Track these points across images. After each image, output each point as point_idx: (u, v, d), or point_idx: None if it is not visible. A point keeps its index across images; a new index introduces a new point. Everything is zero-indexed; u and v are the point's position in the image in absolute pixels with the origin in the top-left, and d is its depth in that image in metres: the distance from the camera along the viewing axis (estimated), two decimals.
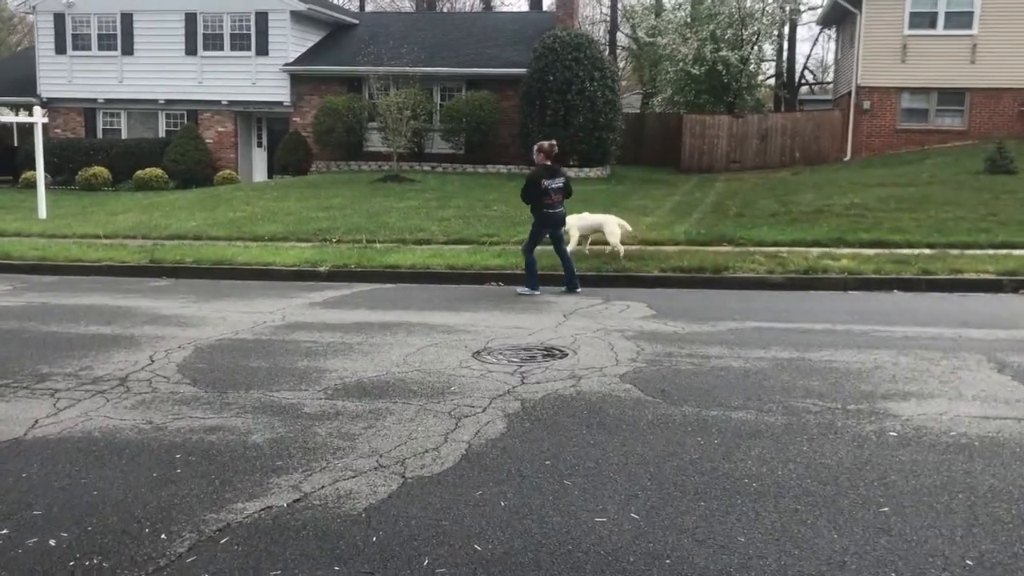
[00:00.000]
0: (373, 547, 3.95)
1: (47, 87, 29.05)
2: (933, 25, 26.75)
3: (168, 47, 28.08)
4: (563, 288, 10.98)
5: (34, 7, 29.04)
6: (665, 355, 7.30)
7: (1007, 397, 6.06)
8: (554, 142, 11.30)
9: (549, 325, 8.70)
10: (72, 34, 28.65)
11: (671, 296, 10.67)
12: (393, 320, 9.06)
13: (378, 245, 14.31)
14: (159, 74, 28.11)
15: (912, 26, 26.80)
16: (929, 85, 27.06)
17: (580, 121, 24.35)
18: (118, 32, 28.40)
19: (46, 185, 19.99)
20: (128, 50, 28.42)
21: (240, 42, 27.82)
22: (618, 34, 48.40)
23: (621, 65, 46.29)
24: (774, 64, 43.68)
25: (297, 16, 27.77)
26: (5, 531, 4.18)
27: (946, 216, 15.64)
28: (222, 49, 27.92)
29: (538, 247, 11.06)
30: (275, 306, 9.98)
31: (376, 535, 4.06)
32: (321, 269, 12.53)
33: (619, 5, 47.08)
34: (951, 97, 27.17)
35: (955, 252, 12.76)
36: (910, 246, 13.39)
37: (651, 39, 36.23)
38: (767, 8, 34.10)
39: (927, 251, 12.97)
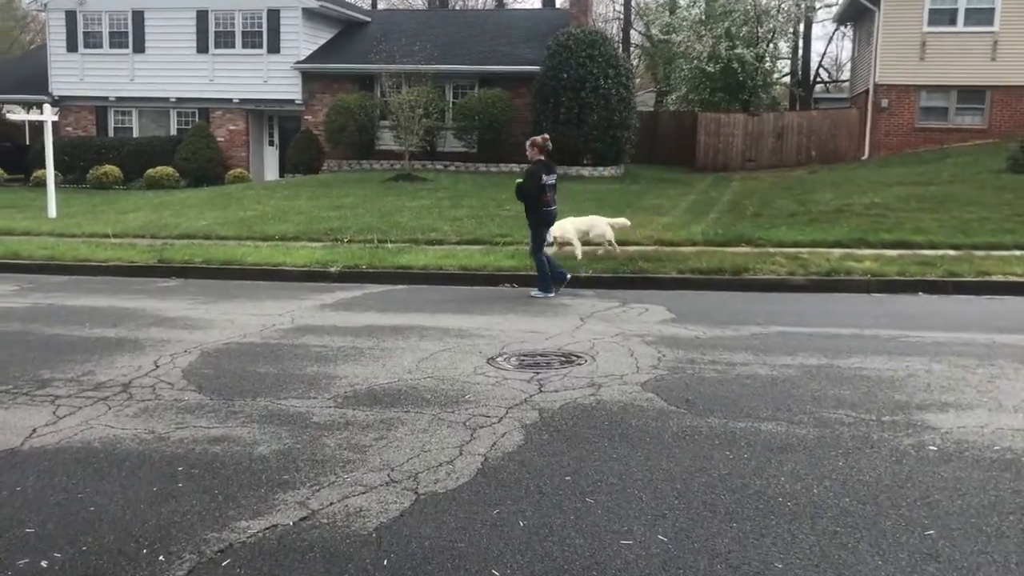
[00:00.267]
0: (384, 571, 3.70)
1: (58, 85, 28.96)
2: (953, 22, 26.34)
3: (179, 45, 27.94)
4: (538, 292, 10.65)
5: (46, 4, 28.95)
6: (688, 362, 7.03)
7: None
8: (547, 136, 10.96)
9: (566, 329, 8.43)
10: (84, 32, 28.55)
11: (690, 299, 10.39)
12: (405, 323, 8.82)
13: (390, 245, 14.08)
14: (170, 72, 27.98)
15: (931, 23, 26.40)
16: (949, 83, 26.65)
17: (594, 119, 24.07)
18: (129, 30, 28.28)
19: (57, 184, 19.87)
20: (139, 48, 28.30)
21: (252, 40, 27.66)
22: (631, 32, 48.04)
23: (634, 63, 45.94)
24: (789, 62, 43.22)
25: (309, 13, 27.58)
26: None
27: (969, 216, 15.29)
28: (234, 47, 27.77)
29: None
30: (285, 308, 9.76)
31: (387, 558, 3.81)
32: (332, 270, 12.30)
33: (632, 3, 46.70)
34: (971, 95, 26.75)
35: (980, 253, 12.43)
36: (933, 247, 13.06)
37: (665, 36, 35.88)
38: (783, 5, 33.71)
39: (951, 252, 12.65)
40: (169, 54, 28.00)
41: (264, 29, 27.47)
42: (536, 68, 24.99)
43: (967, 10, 26.17)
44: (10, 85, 30.76)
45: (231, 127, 28.36)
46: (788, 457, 4.90)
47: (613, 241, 12.63)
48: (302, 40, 27.46)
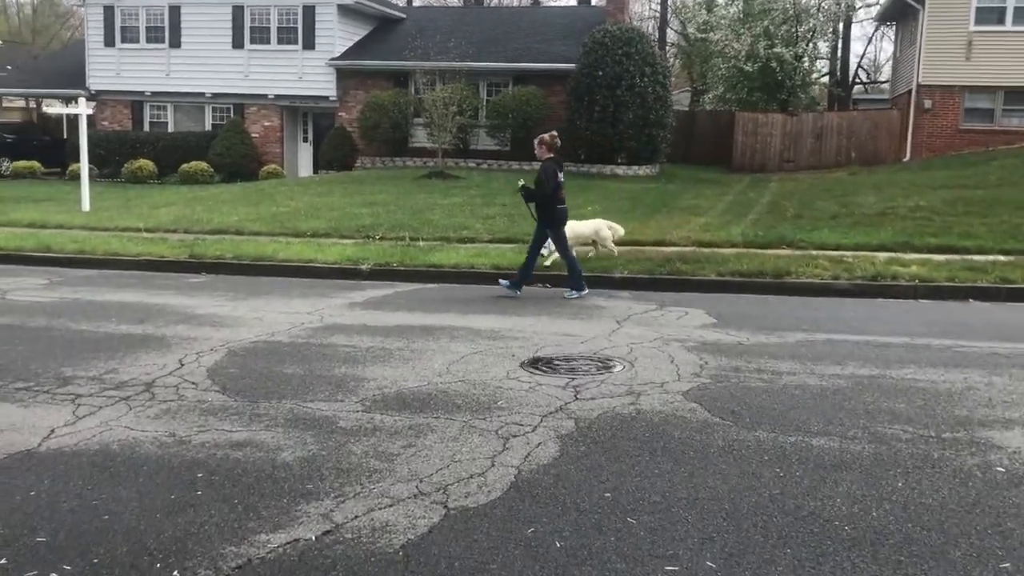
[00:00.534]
0: None
1: (95, 80, 29.11)
2: (1001, 20, 25.63)
3: (215, 40, 27.95)
4: (511, 287, 10.40)
5: (84, 0, 29.10)
6: (732, 370, 6.71)
7: None
8: (555, 133, 10.72)
9: (602, 333, 8.14)
10: (121, 27, 28.67)
11: (731, 302, 10.04)
12: (436, 324, 8.57)
13: (421, 243, 13.86)
14: (206, 67, 28.01)
15: (979, 22, 25.70)
16: (995, 84, 25.92)
17: (630, 117, 23.72)
18: (166, 25, 28.35)
19: (92, 177, 19.89)
20: (176, 43, 28.36)
21: (287, 35, 27.60)
22: (667, 31, 47.51)
23: (670, 62, 45.41)
24: (828, 62, 42.50)
25: (344, 10, 27.47)
26: (3, 561, 3.75)
27: (1020, 221, 14.76)
28: (269, 43, 27.73)
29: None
30: (314, 306, 9.55)
31: None
32: (363, 267, 12.10)
33: (669, 1, 46.18)
34: (1019, 96, 26.01)
35: None
36: (982, 252, 12.61)
37: (702, 35, 35.41)
38: (823, 4, 33.10)
39: (1001, 258, 12.19)
40: (205, 49, 28.03)
41: (299, 25, 27.40)
42: (571, 66, 24.68)
43: (1016, 8, 25.43)
44: (49, 80, 31.02)
45: (265, 123, 28.34)
46: (843, 476, 4.58)
47: (609, 243, 12.23)
48: (337, 36, 27.36)
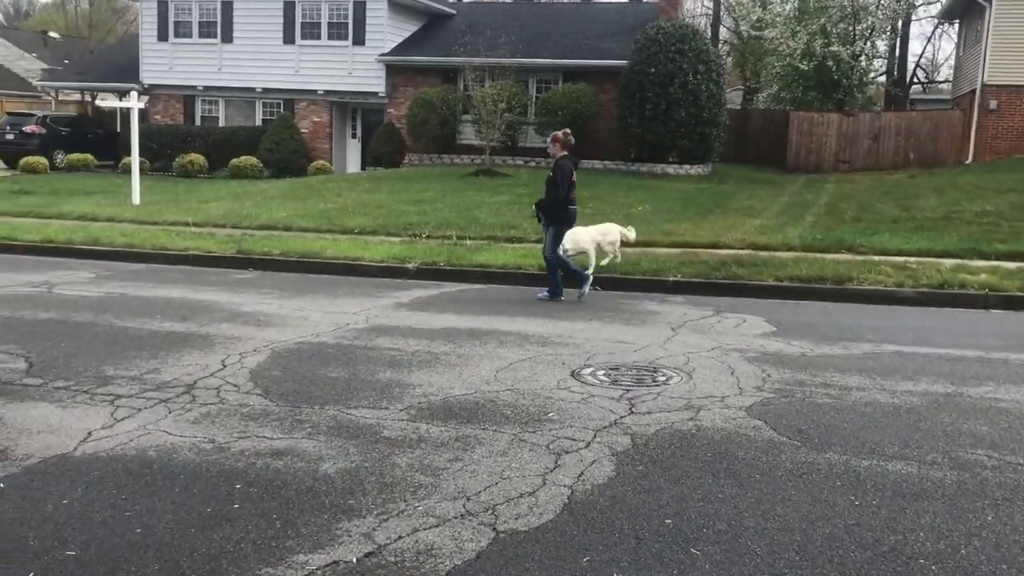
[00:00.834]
0: None
1: (149, 74, 29.37)
2: None
3: (266, 35, 28.02)
4: (547, 295, 10.03)
5: None
6: (796, 383, 6.35)
7: None
8: (568, 130, 10.37)
9: (656, 340, 7.81)
10: (174, 21, 28.88)
11: (790, 309, 9.65)
12: (483, 327, 8.32)
13: (468, 242, 13.62)
14: (257, 62, 28.09)
15: None
16: None
17: (682, 116, 23.26)
18: (218, 20, 28.49)
19: (144, 171, 20.00)
20: (227, 38, 28.49)
21: (337, 31, 27.57)
22: (720, 28, 46.74)
23: (723, 60, 44.65)
24: (885, 61, 41.45)
25: (394, 6, 27.36)
26: (31, 575, 3.57)
27: None
28: (319, 38, 27.72)
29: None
30: (360, 306, 9.36)
31: None
32: (409, 266, 11.89)
33: None
34: None
35: None
36: None
37: (757, 32, 34.73)
38: (882, 1, 32.24)
39: None
40: (256, 44, 28.12)
41: (350, 20, 27.35)
42: (622, 63, 24.28)
43: None
44: (104, 74, 31.40)
45: (315, 119, 28.36)
46: (925, 506, 4.22)
47: (616, 249, 11.63)
48: (387, 32, 27.26)
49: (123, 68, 30.29)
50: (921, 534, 3.93)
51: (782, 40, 31.72)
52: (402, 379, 6.41)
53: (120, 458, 4.80)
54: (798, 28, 31.23)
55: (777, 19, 33.13)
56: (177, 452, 4.89)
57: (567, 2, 46.33)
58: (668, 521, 4.06)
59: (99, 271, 11.67)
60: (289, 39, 27.90)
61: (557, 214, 9.99)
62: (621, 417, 5.53)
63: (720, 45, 46.19)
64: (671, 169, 24.07)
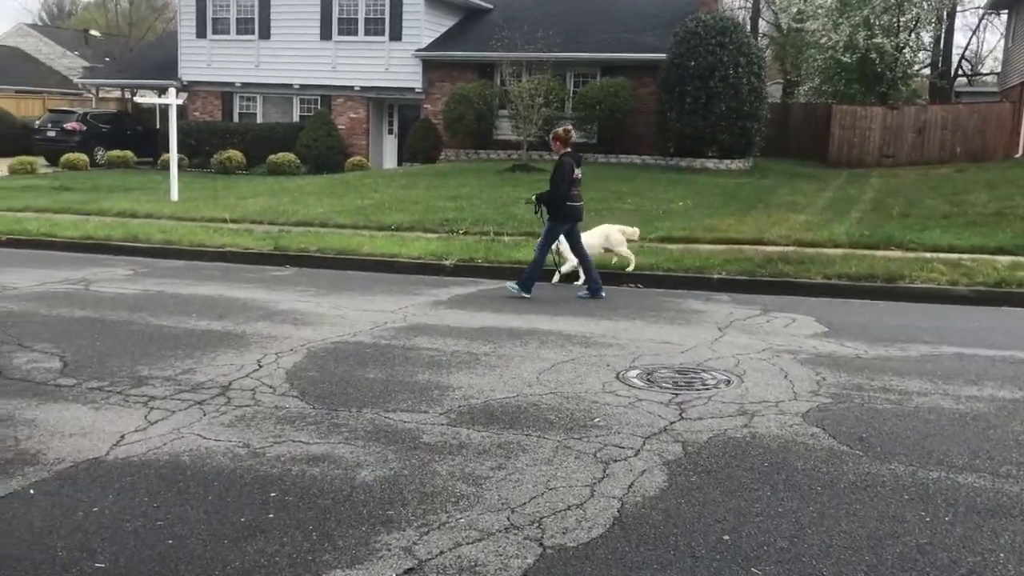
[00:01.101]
0: None
1: (187, 71, 29.51)
2: None
3: (303, 31, 28.01)
4: (587, 293, 9.84)
5: None
6: (853, 388, 6.05)
7: None
8: (569, 127, 10.28)
9: (703, 341, 7.54)
10: (212, 18, 28.99)
11: (840, 308, 9.32)
12: (523, 326, 8.10)
13: (506, 238, 13.43)
14: (294, 59, 28.10)
15: None
16: None
17: (722, 110, 22.86)
18: (256, 16, 28.54)
19: (183, 167, 20.03)
20: (265, 34, 28.53)
21: (374, 27, 27.48)
22: (759, 21, 46.02)
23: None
24: (930, 53, 40.55)
25: (431, 1, 27.19)
26: None
27: None
28: (356, 34, 27.66)
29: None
30: (397, 304, 9.19)
31: None
32: (447, 263, 11.71)
33: None
34: None
35: None
36: None
37: (797, 25, 34.11)
38: None
39: None
40: (293, 41, 28.12)
41: (386, 16, 27.25)
42: (661, 56, 23.92)
43: None
44: (144, 71, 31.60)
45: (352, 115, 28.31)
46: (1003, 524, 3.94)
47: (623, 248, 11.19)
48: (423, 27, 27.12)
49: (162, 65, 30.47)
50: (1001, 555, 3.66)
51: (824, 32, 31.12)
52: (441, 381, 6.22)
53: (153, 463, 4.65)
54: (840, 20, 30.61)
55: (819, 11, 32.50)
56: (211, 457, 4.73)
57: None
58: (726, 537, 3.81)
59: (136, 268, 11.62)
60: (326, 35, 27.86)
61: (556, 210, 9.81)
62: (671, 423, 5.29)
63: (759, 38, 45.57)
64: (711, 164, 23.68)
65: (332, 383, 6.16)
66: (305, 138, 27.07)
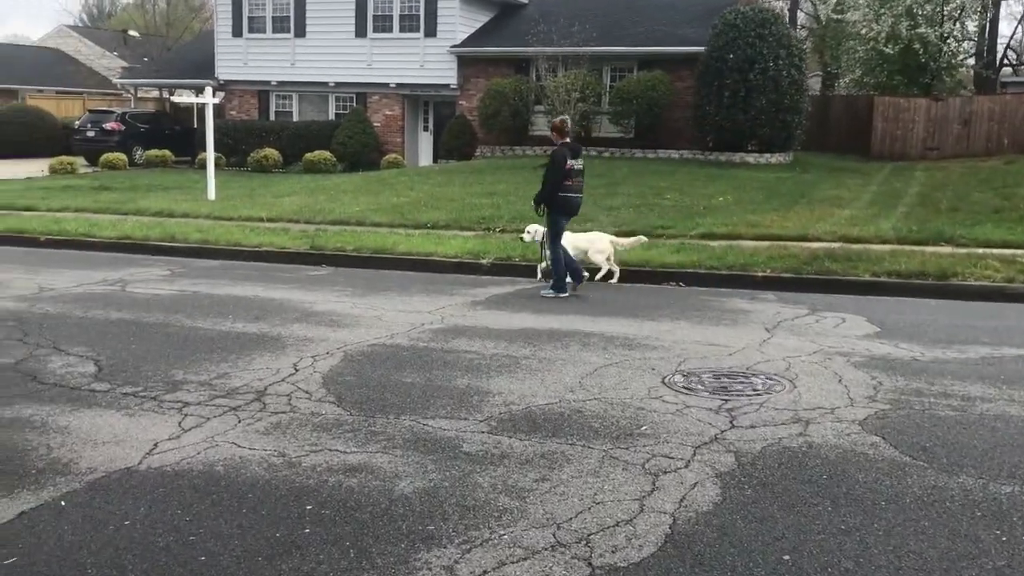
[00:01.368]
0: None
1: (224, 70, 29.63)
2: None
3: (339, 29, 27.98)
4: (552, 292, 9.67)
5: None
6: (912, 392, 5.78)
7: None
8: (565, 117, 10.11)
9: (751, 343, 7.29)
10: (248, 17, 29.06)
11: (891, 307, 9.00)
12: (563, 328, 7.90)
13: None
14: (330, 57, 28.08)
15: None
16: None
17: (762, 103, 22.44)
18: (291, 15, 28.56)
19: (219, 166, 20.06)
20: (300, 33, 28.55)
21: (409, 23, 27.38)
22: (797, 12, 45.29)
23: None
24: (975, 43, 39.62)
25: None
26: None
27: None
28: (391, 31, 27.57)
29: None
30: (434, 304, 9.03)
31: None
32: (483, 262, 11.53)
33: None
34: None
35: None
36: None
37: (838, 16, 33.49)
38: None
39: None
40: (329, 39, 28.10)
41: (421, 12, 27.13)
42: (699, 49, 23.54)
43: None
44: (181, 70, 31.79)
45: (387, 112, 28.24)
46: None
47: (612, 259, 10.67)
48: (459, 23, 26.96)
49: (199, 65, 30.62)
50: None
51: (865, 23, 30.50)
52: (481, 386, 6.04)
53: (186, 473, 4.52)
54: (882, 10, 29.98)
55: (860, 2, 31.88)
56: (245, 467, 4.59)
57: None
58: (786, 557, 3.59)
59: (173, 268, 11.59)
60: (361, 32, 27.81)
61: (550, 202, 9.65)
62: (722, 431, 5.06)
63: (797, 30, 44.84)
64: (751, 158, 23.28)
65: (369, 388, 6.00)
66: (341, 136, 27.05)
